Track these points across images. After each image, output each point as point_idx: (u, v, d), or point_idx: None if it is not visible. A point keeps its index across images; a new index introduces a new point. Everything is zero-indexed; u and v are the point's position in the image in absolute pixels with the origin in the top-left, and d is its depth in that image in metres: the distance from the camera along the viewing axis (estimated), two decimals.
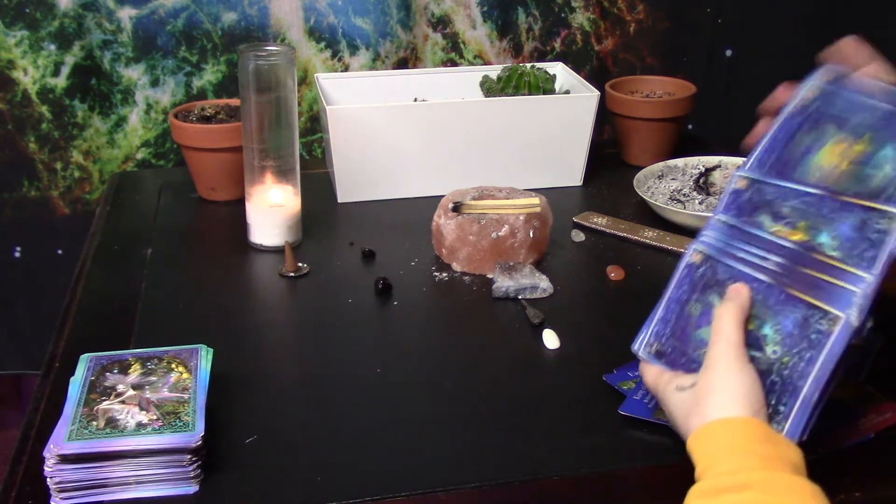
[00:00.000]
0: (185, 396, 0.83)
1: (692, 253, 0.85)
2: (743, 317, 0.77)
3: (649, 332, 0.86)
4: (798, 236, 0.78)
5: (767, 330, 0.77)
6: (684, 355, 0.82)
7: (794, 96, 0.85)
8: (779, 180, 0.82)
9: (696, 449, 0.72)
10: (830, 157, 0.79)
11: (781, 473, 0.68)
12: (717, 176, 1.36)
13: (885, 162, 0.76)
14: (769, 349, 0.77)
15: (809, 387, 0.74)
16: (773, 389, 0.76)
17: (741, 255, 0.81)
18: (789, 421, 0.74)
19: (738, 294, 0.79)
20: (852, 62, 0.83)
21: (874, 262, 0.73)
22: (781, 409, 0.75)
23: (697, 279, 0.84)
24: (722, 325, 0.77)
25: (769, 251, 0.80)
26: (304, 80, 1.57)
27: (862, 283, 0.73)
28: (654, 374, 0.83)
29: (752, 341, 0.78)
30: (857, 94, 0.81)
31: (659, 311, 0.86)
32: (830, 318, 0.73)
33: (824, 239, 0.77)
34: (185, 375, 0.87)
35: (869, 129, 0.78)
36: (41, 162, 1.52)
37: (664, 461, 0.83)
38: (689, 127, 1.69)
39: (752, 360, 0.77)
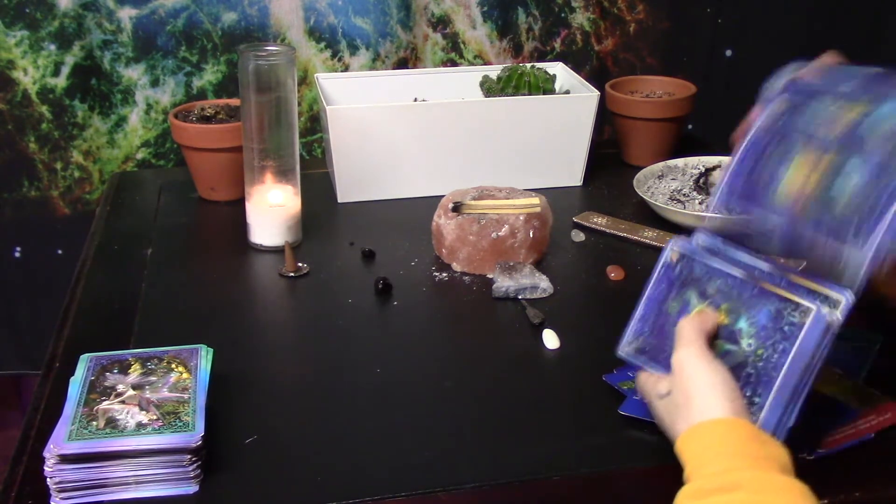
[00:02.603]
0: (185, 396, 0.83)
1: (669, 252, 0.86)
2: (704, 329, 0.79)
3: (630, 331, 0.87)
4: (720, 318, 0.81)
5: (742, 324, 0.79)
6: (663, 352, 0.83)
7: (759, 115, 0.86)
8: (719, 256, 0.83)
9: (685, 451, 0.73)
10: (798, 174, 0.79)
11: (771, 473, 0.68)
12: (717, 176, 1.36)
13: (741, 336, 0.78)
14: (744, 342, 0.78)
15: (783, 378, 0.74)
16: (749, 381, 0.77)
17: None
18: (763, 412, 0.75)
19: (705, 313, 0.81)
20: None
21: (786, 355, 0.75)
22: (756, 400, 0.76)
23: (675, 277, 0.85)
24: (684, 332, 0.79)
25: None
26: (304, 80, 1.57)
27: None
28: (642, 380, 0.84)
29: (727, 335, 0.79)
30: (820, 105, 0.81)
31: (638, 310, 0.87)
32: (802, 310, 0.75)
33: (742, 324, 0.79)
34: (185, 375, 0.87)
35: (724, 298, 0.81)
36: (41, 162, 1.52)
37: (664, 461, 0.83)
38: (689, 127, 1.69)
39: (728, 353, 0.78)
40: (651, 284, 0.87)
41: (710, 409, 0.73)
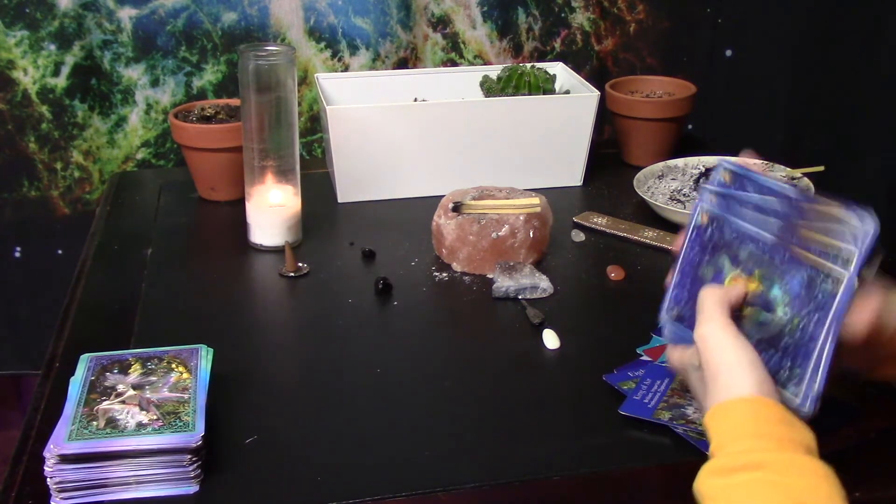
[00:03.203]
0: (186, 396, 0.84)
1: (698, 214, 0.85)
2: (728, 300, 0.78)
3: (669, 297, 0.86)
4: (754, 285, 0.80)
5: (777, 291, 0.78)
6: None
7: (688, 225, 0.86)
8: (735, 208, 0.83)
9: (712, 426, 0.72)
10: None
11: (795, 455, 0.68)
12: None
13: (776, 304, 0.77)
14: (780, 311, 0.77)
15: (820, 349, 0.74)
16: (787, 353, 0.76)
17: (743, 213, 0.82)
18: (805, 384, 0.74)
19: (732, 284, 0.80)
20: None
21: (821, 325, 0.74)
22: (798, 371, 0.75)
23: (706, 241, 0.84)
24: (705, 304, 0.78)
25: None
26: (304, 80, 1.57)
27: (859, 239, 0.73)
28: (678, 352, 0.83)
29: (763, 304, 0.78)
30: (742, 220, 0.81)
31: (675, 277, 0.86)
32: (834, 279, 0.74)
33: (776, 292, 0.78)
34: (185, 375, 0.87)
35: (757, 264, 0.80)
36: (41, 162, 1.52)
37: (664, 461, 0.83)
38: (689, 127, 1.69)
39: (765, 323, 0.77)
40: (683, 249, 0.86)
41: (737, 386, 0.73)
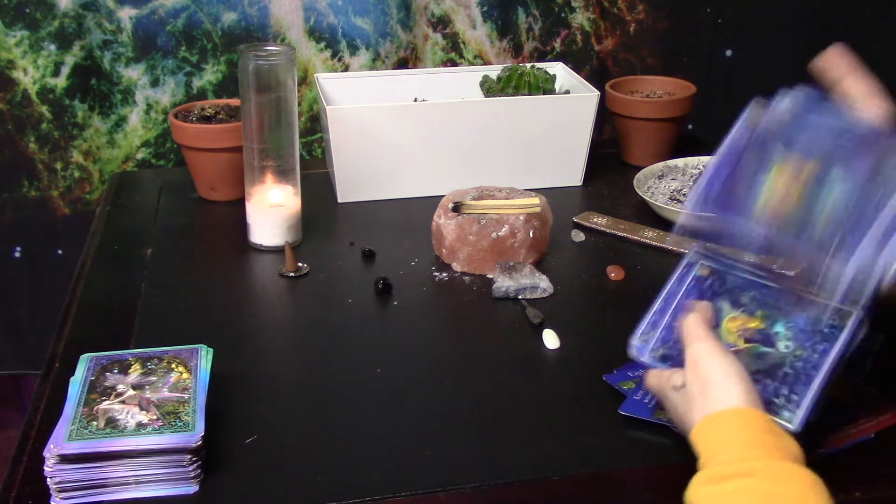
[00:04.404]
0: (185, 396, 0.84)
1: (699, 267, 0.87)
2: (704, 319, 0.81)
3: (656, 338, 0.87)
4: (755, 324, 0.81)
5: (779, 328, 0.79)
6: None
7: (679, 269, 0.88)
8: (735, 262, 0.84)
9: (700, 439, 0.73)
10: (778, 184, 0.79)
11: (784, 462, 0.69)
12: None
13: (778, 340, 0.79)
14: (781, 345, 0.78)
15: (822, 377, 0.75)
16: (786, 381, 0.77)
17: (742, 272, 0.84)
18: (801, 409, 0.76)
19: (700, 306, 0.83)
20: (833, 73, 0.84)
21: (826, 355, 0.75)
22: (794, 397, 0.76)
23: (705, 290, 0.85)
24: (690, 330, 0.80)
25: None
26: (304, 80, 1.57)
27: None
28: (654, 375, 0.84)
29: (762, 339, 0.79)
30: (809, 115, 0.80)
31: (667, 318, 0.87)
32: (843, 314, 0.75)
33: (779, 329, 0.80)
34: (185, 375, 0.87)
35: (759, 307, 0.81)
36: (41, 162, 1.52)
37: (664, 461, 0.83)
38: (689, 127, 1.69)
39: (764, 355, 0.78)
40: (679, 296, 0.87)
41: (726, 398, 0.74)
